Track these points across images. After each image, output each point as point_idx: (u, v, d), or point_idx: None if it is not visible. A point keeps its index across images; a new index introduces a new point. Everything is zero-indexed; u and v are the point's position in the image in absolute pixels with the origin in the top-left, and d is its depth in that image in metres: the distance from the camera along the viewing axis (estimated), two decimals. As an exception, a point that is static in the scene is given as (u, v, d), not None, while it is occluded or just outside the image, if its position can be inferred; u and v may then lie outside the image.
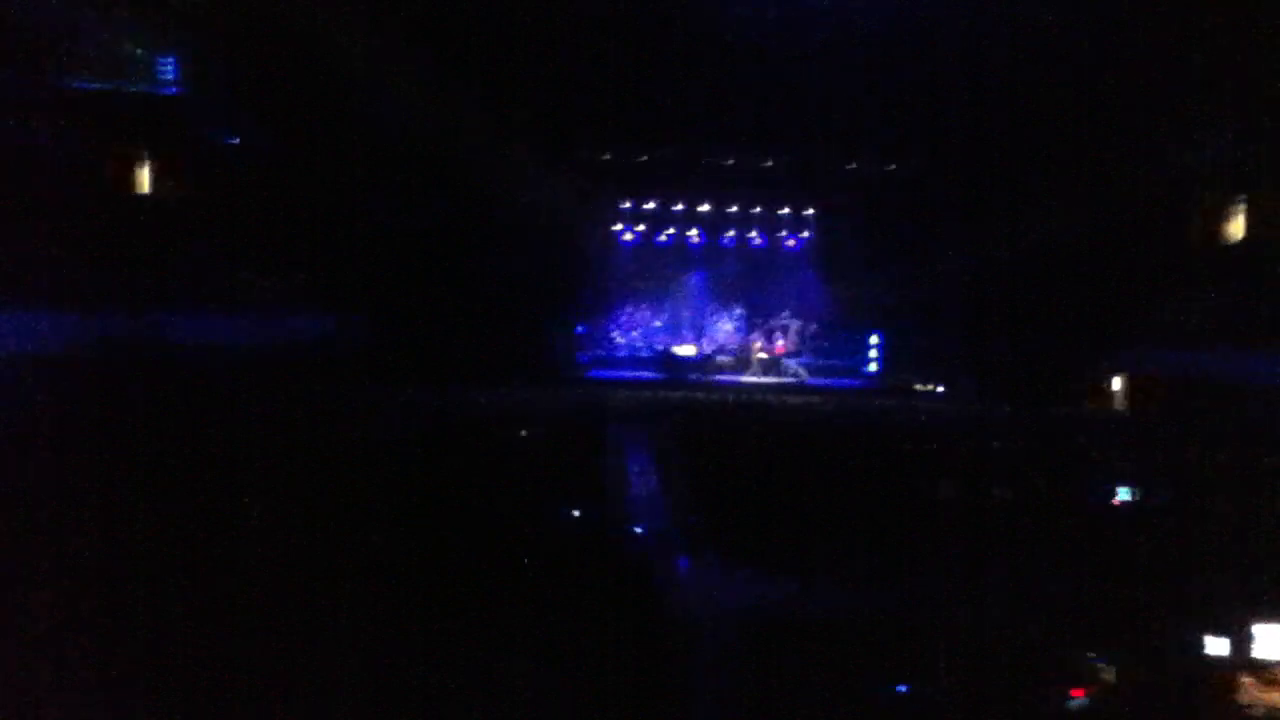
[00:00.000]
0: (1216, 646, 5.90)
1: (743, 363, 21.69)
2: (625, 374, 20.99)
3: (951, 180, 18.87)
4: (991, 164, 18.00)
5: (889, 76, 17.13)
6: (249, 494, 7.94)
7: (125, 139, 13.49)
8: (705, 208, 22.93)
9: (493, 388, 15.42)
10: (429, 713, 6.37)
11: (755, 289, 23.44)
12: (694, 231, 23.08)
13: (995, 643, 6.43)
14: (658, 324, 23.47)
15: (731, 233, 23.22)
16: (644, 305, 23.72)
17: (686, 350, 21.65)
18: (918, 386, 19.49)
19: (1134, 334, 16.48)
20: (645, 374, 20.92)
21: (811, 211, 23.12)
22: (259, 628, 6.64)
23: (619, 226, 23.00)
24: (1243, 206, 15.19)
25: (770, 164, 21.81)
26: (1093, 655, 6.02)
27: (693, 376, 20.47)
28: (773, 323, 22.29)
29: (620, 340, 23.27)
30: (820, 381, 20.72)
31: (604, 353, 22.61)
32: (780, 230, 23.27)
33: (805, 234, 23.27)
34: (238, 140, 15.64)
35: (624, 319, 23.56)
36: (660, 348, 22.06)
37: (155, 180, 13.82)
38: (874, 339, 20.96)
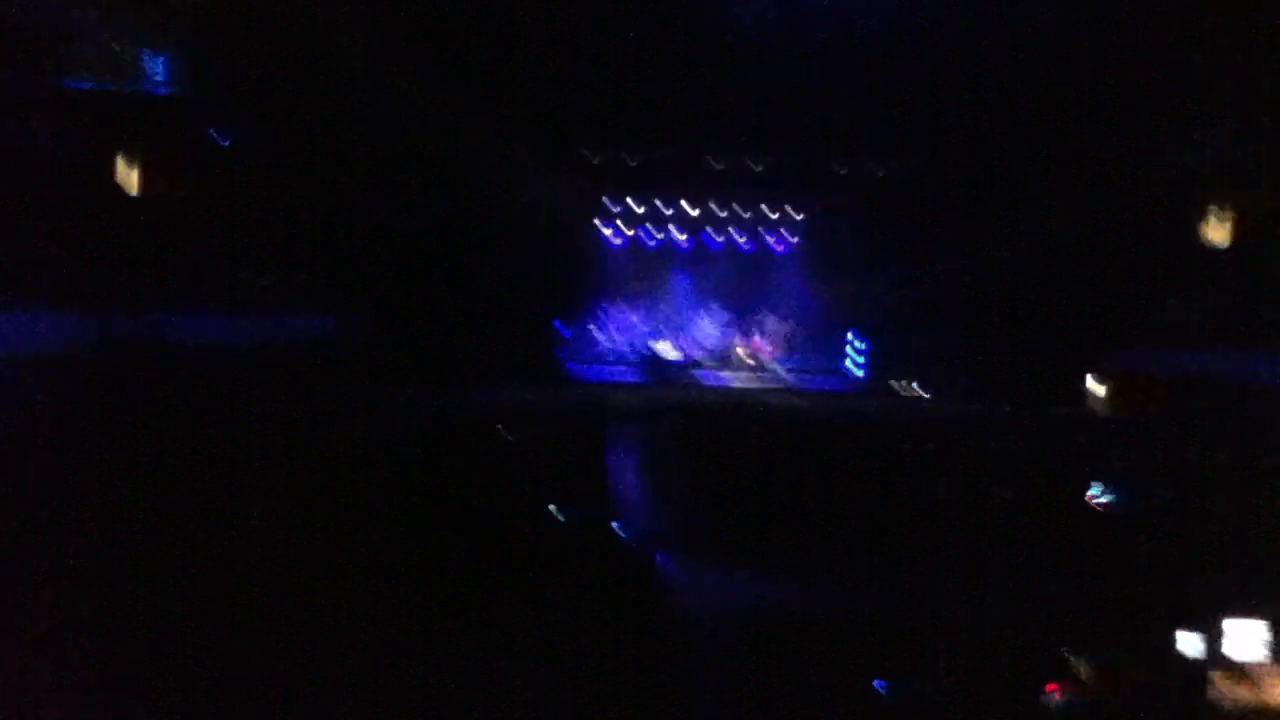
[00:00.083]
0: (1189, 643, 5.93)
1: (729, 364, 21.69)
2: (611, 375, 20.97)
3: (942, 183, 18.87)
4: (984, 165, 18.00)
5: (880, 78, 17.13)
6: (247, 494, 7.94)
7: (123, 139, 13.45)
8: (693, 210, 22.93)
9: (488, 388, 15.41)
10: (428, 711, 6.38)
11: (743, 291, 23.42)
12: (681, 234, 23.08)
13: (987, 641, 6.45)
14: (644, 325, 23.45)
15: (719, 235, 23.22)
16: (630, 307, 23.72)
17: (673, 352, 21.64)
18: (905, 388, 19.51)
19: (1128, 335, 16.48)
20: (631, 375, 20.90)
21: (800, 215, 23.13)
22: (258, 627, 6.65)
23: (606, 229, 23.00)
24: (1242, 206, 15.19)
25: (759, 167, 21.82)
26: (1084, 655, 6.05)
27: (679, 378, 20.47)
28: (759, 325, 22.31)
29: (606, 342, 23.26)
30: (807, 383, 20.73)
31: (590, 354, 22.60)
32: (769, 232, 23.27)
33: (793, 237, 23.27)
34: (235, 140, 15.63)
35: (610, 321, 23.55)
36: (646, 349, 22.03)
37: (154, 180, 13.79)
38: (860, 343, 20.96)
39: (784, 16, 16.30)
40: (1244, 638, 5.76)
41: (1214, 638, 5.80)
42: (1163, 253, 16.10)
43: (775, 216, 22.96)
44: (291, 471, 8.33)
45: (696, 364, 21.15)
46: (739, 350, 21.91)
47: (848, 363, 21.17)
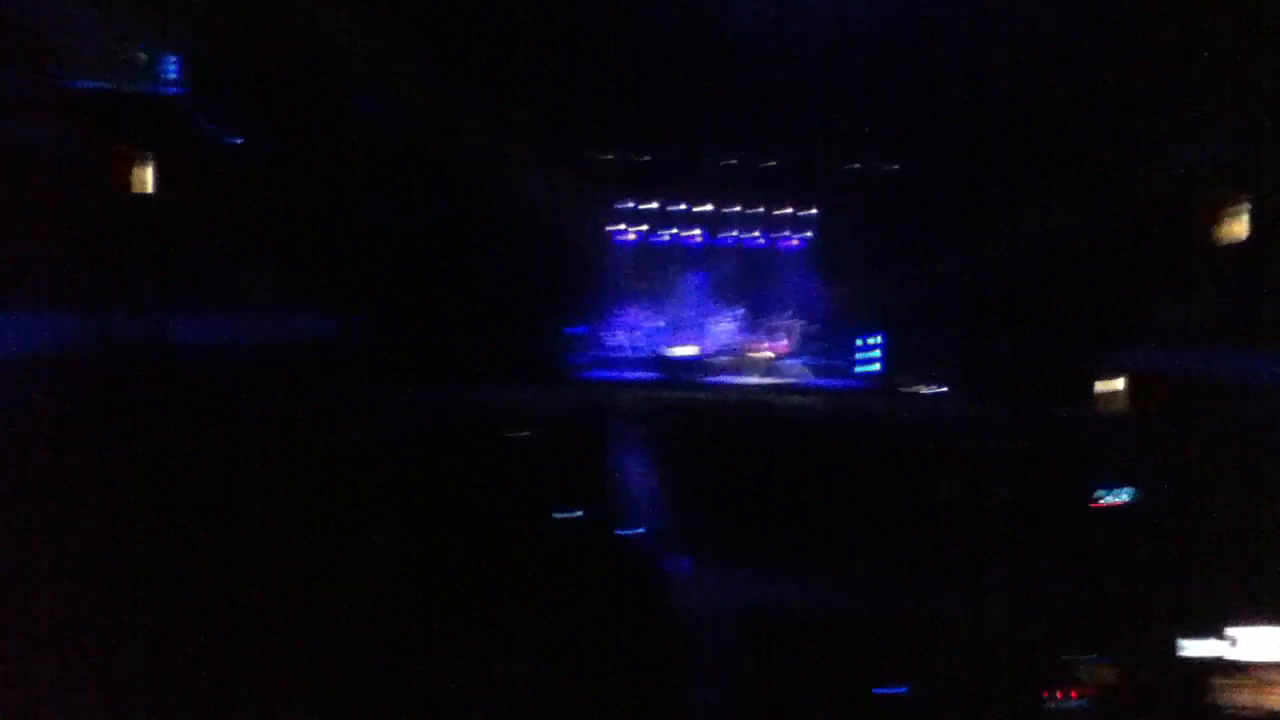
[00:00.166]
0: (1200, 648, 5.92)
1: (741, 363, 21.65)
2: (623, 374, 20.96)
3: (952, 180, 18.85)
4: (992, 164, 17.97)
5: (889, 76, 17.12)
6: (247, 494, 7.94)
7: (125, 139, 13.46)
8: (704, 207, 22.92)
9: (490, 388, 15.40)
10: (428, 711, 6.38)
11: (754, 289, 23.42)
12: (693, 231, 23.07)
13: (984, 643, 6.45)
14: (656, 324, 23.44)
15: (731, 232, 23.21)
16: (642, 305, 23.71)
17: (685, 351, 21.61)
18: (918, 388, 19.47)
19: (1133, 334, 16.46)
20: (643, 374, 20.88)
21: (811, 211, 23.11)
22: (258, 627, 6.65)
23: (617, 226, 22.99)
24: (1243, 206, 15.18)
25: (770, 164, 21.81)
26: (1084, 655, 6.04)
27: (691, 377, 20.44)
28: (772, 323, 22.27)
29: (618, 341, 23.25)
30: (820, 382, 20.70)
31: (601, 353, 22.58)
32: (780, 230, 23.25)
33: (805, 234, 23.27)
34: (237, 140, 15.63)
35: (621, 320, 23.55)
36: (658, 348, 22.02)
37: (154, 180, 13.80)
38: (874, 339, 20.91)
39: (793, 15, 16.31)
40: (1246, 640, 5.76)
41: (1216, 640, 5.80)
42: (1164, 253, 16.10)
43: (783, 214, 22.98)
44: (292, 471, 8.33)
45: (703, 362, 21.15)
46: (746, 348, 21.91)
47: (856, 361, 21.17)
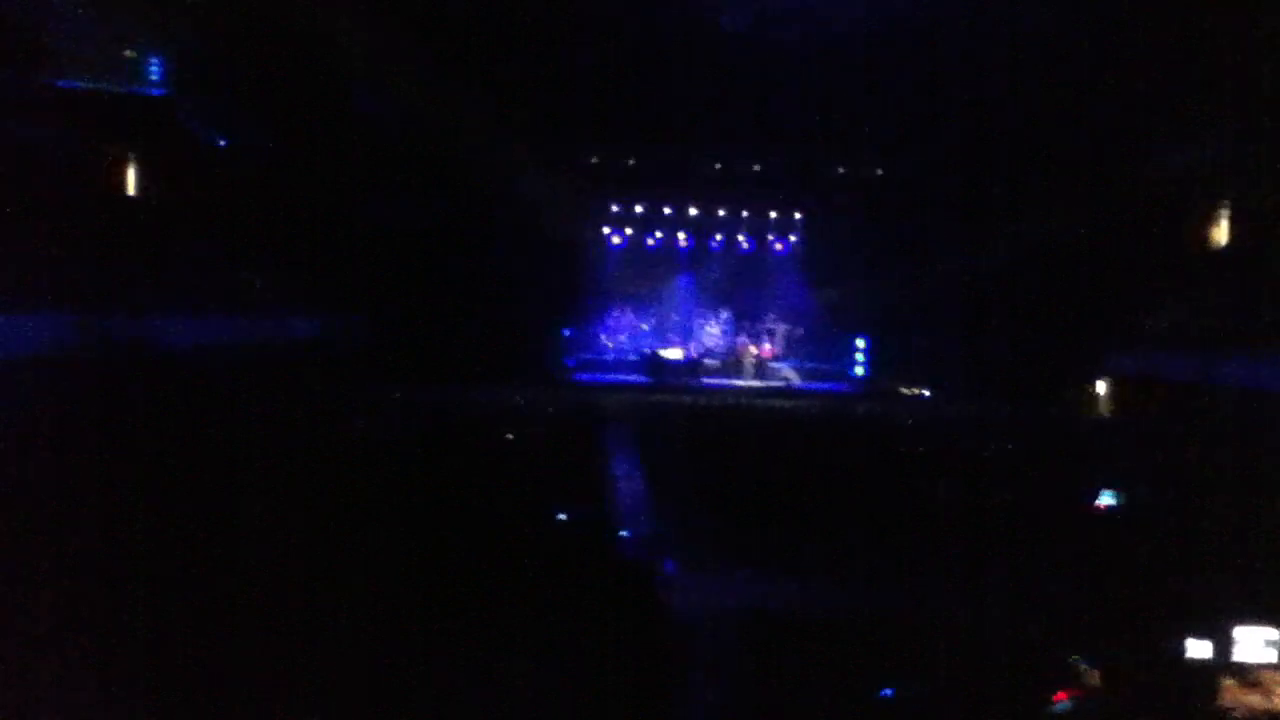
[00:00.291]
0: (1199, 649, 5.95)
1: (730, 366, 21.73)
2: (612, 377, 21.01)
3: (940, 185, 18.98)
4: (981, 168, 18.10)
5: (878, 81, 17.24)
6: (246, 494, 7.94)
7: (124, 140, 13.47)
8: (694, 211, 23.00)
9: (480, 390, 15.43)
10: (426, 711, 6.37)
11: (743, 293, 23.53)
12: (682, 235, 23.14)
13: (984, 644, 6.47)
14: (645, 327, 23.50)
15: (719, 236, 23.30)
16: (631, 308, 23.76)
17: (674, 353, 21.65)
18: (905, 390, 19.58)
19: (1122, 338, 16.59)
20: (632, 377, 20.94)
21: (799, 215, 23.21)
22: (257, 627, 6.63)
23: (607, 230, 23.04)
24: (1241, 208, 15.29)
25: (759, 168, 21.91)
26: (1079, 657, 6.06)
27: (680, 380, 20.49)
28: (760, 326, 22.35)
29: (608, 343, 23.30)
30: (808, 385, 20.79)
31: (591, 356, 22.63)
32: (768, 234, 23.35)
33: (793, 238, 23.36)
34: (230, 141, 15.64)
35: (611, 322, 23.59)
36: (647, 351, 22.06)
37: (148, 181, 13.81)
38: (861, 342, 21.01)
39: (781, 21, 16.38)
40: (1253, 642, 5.79)
41: (1222, 642, 5.83)
42: (1152, 257, 16.24)
43: (772, 218, 23.07)
44: (288, 471, 8.33)
45: (692, 364, 21.20)
46: (735, 351, 21.98)
47: (842, 363, 21.27)
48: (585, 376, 20.77)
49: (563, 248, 20.21)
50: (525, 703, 6.34)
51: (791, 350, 22.15)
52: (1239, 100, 13.97)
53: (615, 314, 23.49)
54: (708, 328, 23.15)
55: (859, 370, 21.02)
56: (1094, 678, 5.77)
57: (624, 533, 8.94)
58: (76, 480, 7.01)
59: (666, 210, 22.97)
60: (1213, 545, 7.30)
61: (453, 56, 16.26)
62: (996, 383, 17.38)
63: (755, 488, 9.96)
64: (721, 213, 23.18)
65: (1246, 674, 5.56)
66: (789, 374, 21.32)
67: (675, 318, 23.51)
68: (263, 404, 9.93)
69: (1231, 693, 5.50)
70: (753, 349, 21.76)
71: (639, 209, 22.85)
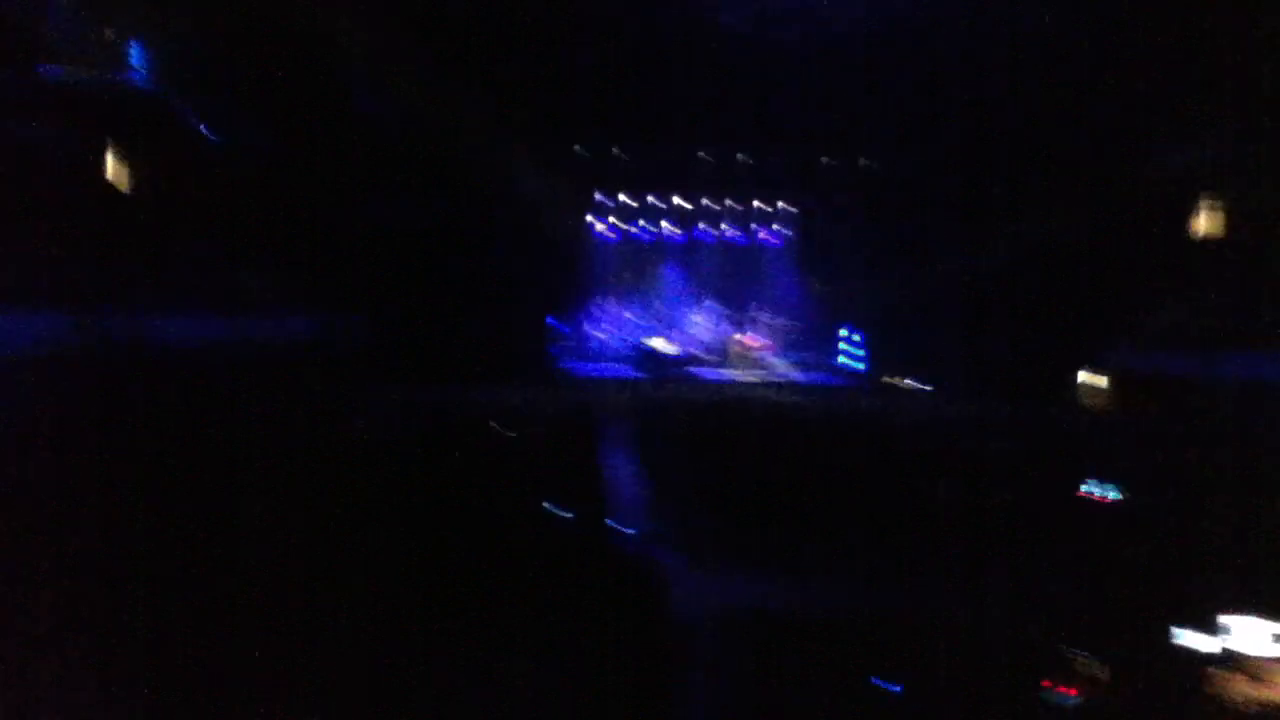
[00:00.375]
0: (1198, 641, 6.00)
1: (721, 358, 21.70)
2: (602, 369, 20.97)
3: (933, 178, 18.98)
4: (978, 162, 18.11)
5: (870, 73, 17.23)
6: (244, 494, 7.93)
7: (114, 137, 13.40)
8: (684, 202, 22.96)
9: (473, 386, 15.40)
10: (424, 711, 6.38)
11: (734, 284, 23.50)
12: (672, 226, 23.12)
13: (982, 640, 6.50)
14: (637, 320, 23.46)
15: (710, 228, 23.28)
16: (621, 300, 23.72)
17: (664, 345, 21.61)
18: (900, 383, 19.58)
19: (1120, 334, 16.62)
20: (622, 370, 20.90)
21: (791, 207, 23.19)
22: (256, 626, 6.63)
23: (597, 221, 23.01)
24: (1239, 206, 15.31)
25: (749, 159, 21.87)
26: (1079, 652, 6.10)
27: (670, 372, 20.46)
28: (751, 318, 22.33)
29: (597, 335, 23.26)
30: (799, 377, 20.78)
31: (583, 349, 22.59)
32: (759, 225, 23.34)
33: (785, 230, 23.35)
34: (223, 139, 15.58)
35: (601, 314, 23.55)
36: (638, 343, 22.01)
37: (143, 179, 13.74)
38: (855, 336, 21.00)
39: (779, 12, 16.36)
40: (1251, 635, 5.85)
41: (1221, 635, 5.88)
42: (1148, 253, 16.27)
43: (765, 209, 23.05)
44: (284, 471, 8.33)
45: (686, 358, 21.15)
46: (729, 344, 21.96)
47: (842, 358, 21.24)
48: (574, 368, 20.72)
49: (554, 241, 20.15)
50: (524, 701, 6.35)
51: (786, 343, 22.13)
52: (1238, 100, 14.00)
53: (605, 306, 23.46)
54: (700, 320, 23.12)
55: (852, 363, 21.00)
56: (1096, 671, 5.82)
57: (620, 529, 8.95)
58: (73, 481, 7.00)
59: (657, 202, 22.94)
60: (1211, 540, 7.35)
61: (444, 52, 16.22)
62: (992, 378, 17.40)
63: (745, 482, 9.98)
64: (712, 204, 23.14)
65: (1245, 666, 5.62)
66: (780, 366, 21.30)
67: (666, 310, 23.50)
68: (255, 403, 9.91)
69: (1230, 684, 5.55)
70: (744, 341, 21.73)
71: (629, 200, 22.81)
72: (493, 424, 11.86)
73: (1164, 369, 15.02)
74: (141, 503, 7.22)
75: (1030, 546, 7.94)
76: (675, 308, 23.49)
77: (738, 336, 22.00)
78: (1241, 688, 5.64)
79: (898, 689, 6.21)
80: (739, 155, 21.82)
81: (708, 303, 23.26)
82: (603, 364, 21.46)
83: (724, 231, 23.25)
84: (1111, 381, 16.68)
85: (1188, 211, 16.30)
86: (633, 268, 23.58)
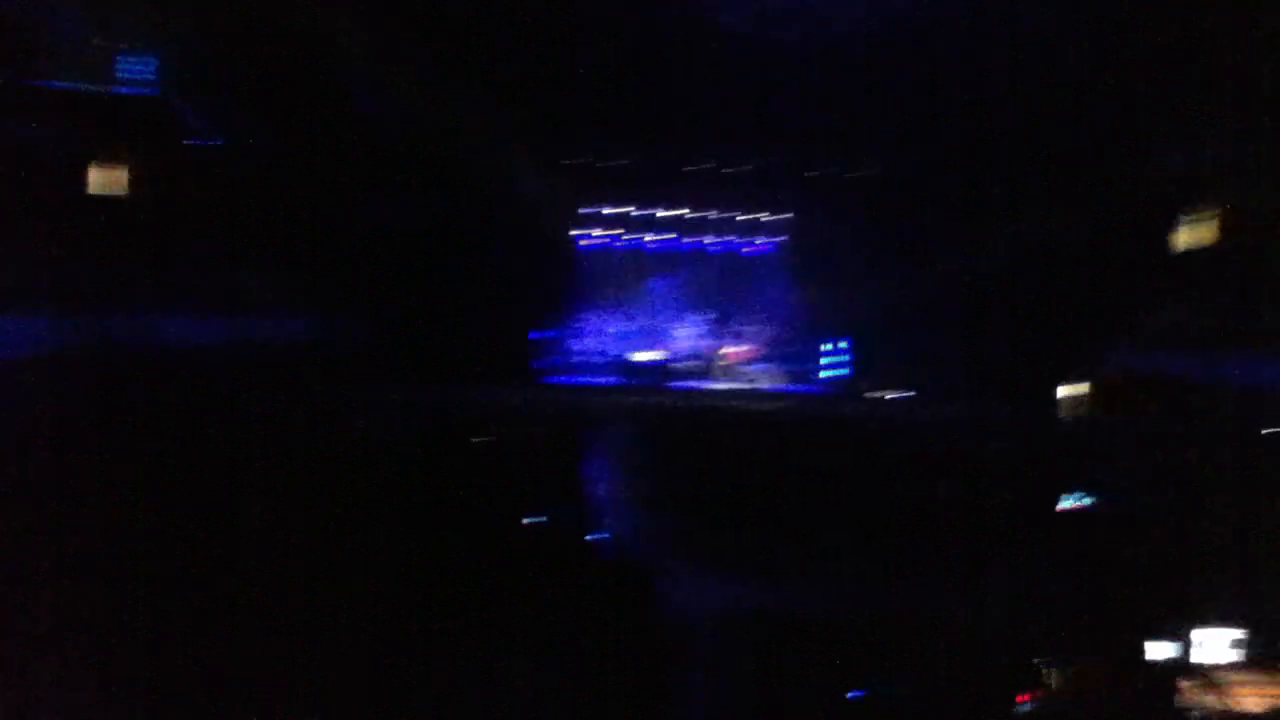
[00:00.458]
0: (1159, 651, 6.13)
1: (706, 368, 21.77)
2: (589, 379, 21.02)
3: (922, 184, 19.07)
4: (965, 167, 18.20)
5: (860, 81, 17.29)
6: (240, 494, 8.04)
7: (112, 140, 13.44)
8: (669, 213, 23.02)
9: (456, 391, 15.47)
10: (417, 711, 6.51)
11: (718, 294, 23.56)
12: (657, 236, 23.18)
13: (952, 646, 6.63)
14: (622, 329, 23.51)
15: (696, 237, 23.35)
16: (608, 310, 23.76)
17: (650, 355, 21.67)
18: (886, 393, 19.69)
19: (1104, 338, 16.73)
20: (606, 379, 20.96)
21: (775, 216, 23.28)
22: (256, 627, 6.76)
23: (582, 231, 23.05)
24: (1237, 207, 15.43)
25: (732, 169, 21.94)
26: (1044, 659, 6.23)
27: (659, 382, 20.53)
28: (736, 328, 22.40)
29: (583, 346, 23.28)
30: (785, 387, 20.88)
31: (567, 358, 22.60)
32: (743, 234, 23.42)
33: (769, 239, 23.44)
34: (216, 141, 15.63)
35: (587, 324, 23.59)
36: (624, 353, 22.05)
37: (141, 181, 13.79)
38: (841, 344, 21.10)
39: (764, 17, 16.45)
40: (1213, 644, 6.03)
41: (1183, 644, 6.06)
42: (1137, 256, 16.43)
43: (752, 219, 23.14)
44: (286, 471, 8.44)
45: (671, 367, 21.16)
46: (714, 353, 22.03)
47: (827, 364, 21.31)
48: (561, 379, 20.77)
49: (534, 248, 20.20)
50: (520, 702, 6.50)
51: (770, 351, 22.21)
52: (1235, 100, 14.14)
53: (591, 316, 23.50)
54: (684, 329, 23.18)
55: (838, 372, 21.09)
56: (1058, 678, 5.98)
57: (609, 536, 9.07)
58: (72, 483, 7.09)
59: (642, 211, 22.99)
60: (1174, 549, 7.50)
61: (429, 56, 16.29)
62: (977, 385, 17.51)
63: (734, 491, 10.09)
64: (698, 214, 23.21)
65: (1207, 674, 5.79)
66: (766, 376, 21.38)
67: (652, 319, 23.55)
68: (253, 404, 10.01)
69: (1194, 692, 5.73)
70: (728, 351, 21.81)
71: (611, 210, 22.86)
72: (481, 435, 11.97)
73: (1138, 372, 15.15)
74: (140, 503, 7.33)
75: (997, 552, 8.11)
76: (660, 318, 23.56)
77: (723, 346, 22.07)
78: (1202, 695, 5.82)
79: (871, 692, 6.38)
80: (724, 165, 21.91)
81: (693, 313, 23.34)
82: (586, 375, 21.51)
83: (710, 241, 23.35)
84: (1084, 386, 16.82)
85: (1182, 214, 16.43)
86: (617, 278, 23.61)
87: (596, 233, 23.15)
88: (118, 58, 13.85)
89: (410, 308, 17.70)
